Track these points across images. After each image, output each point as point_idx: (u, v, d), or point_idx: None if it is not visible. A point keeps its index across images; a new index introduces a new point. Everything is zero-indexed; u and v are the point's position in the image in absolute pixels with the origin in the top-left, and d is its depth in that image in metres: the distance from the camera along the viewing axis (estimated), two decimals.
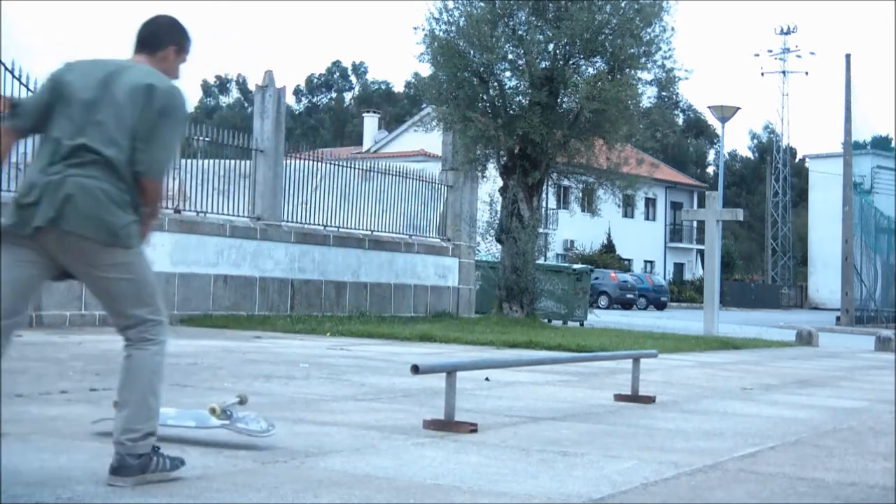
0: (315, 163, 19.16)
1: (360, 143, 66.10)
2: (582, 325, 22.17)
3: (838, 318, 36.32)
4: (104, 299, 3.95)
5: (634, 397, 7.69)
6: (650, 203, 64.26)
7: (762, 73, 71.66)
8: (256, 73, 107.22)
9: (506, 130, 18.74)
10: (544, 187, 21.17)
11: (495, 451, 5.10)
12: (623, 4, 19.09)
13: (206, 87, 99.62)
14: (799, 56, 70.34)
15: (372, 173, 20.30)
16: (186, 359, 9.45)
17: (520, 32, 18.98)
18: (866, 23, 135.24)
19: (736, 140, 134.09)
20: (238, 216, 17.02)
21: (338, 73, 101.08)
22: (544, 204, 43.76)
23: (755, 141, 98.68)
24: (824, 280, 62.09)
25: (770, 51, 71.18)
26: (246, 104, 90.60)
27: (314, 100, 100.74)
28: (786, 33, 70.72)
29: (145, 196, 3.93)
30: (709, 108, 24.12)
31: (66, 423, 5.34)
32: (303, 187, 18.51)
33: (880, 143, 55.63)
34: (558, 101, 19.12)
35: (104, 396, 6.50)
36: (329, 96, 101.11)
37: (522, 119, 18.59)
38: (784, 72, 70.25)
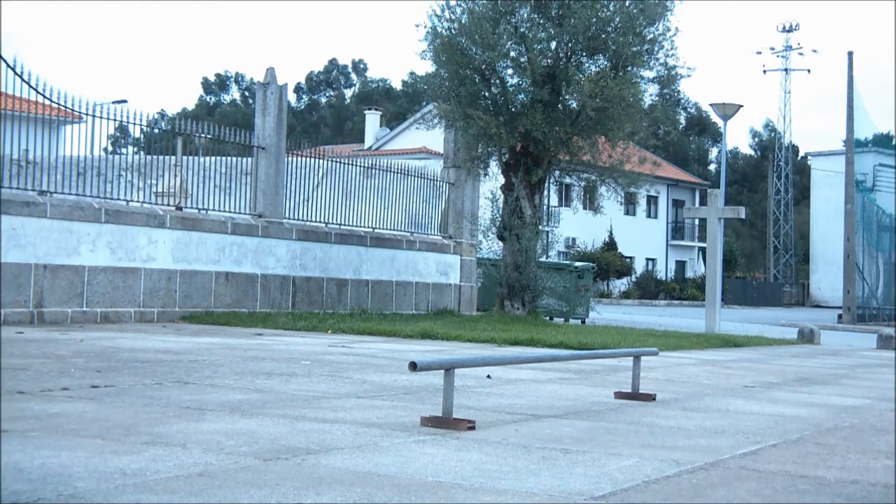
0: (317, 160, 19.16)
1: (361, 140, 66.16)
2: (583, 322, 22.17)
3: (840, 316, 36.33)
4: None
5: (635, 395, 7.68)
6: (652, 201, 64.27)
7: (764, 71, 71.59)
8: (257, 70, 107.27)
9: (508, 128, 18.73)
10: (546, 185, 21.16)
11: (497, 449, 5.09)
12: (627, 3, 19.07)
13: (206, 85, 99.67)
14: (801, 53, 70.29)
15: (373, 170, 20.30)
16: (188, 356, 9.45)
17: (522, 30, 18.97)
18: (868, 20, 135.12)
19: (738, 138, 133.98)
20: (239, 213, 17.03)
21: (337, 71, 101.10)
22: (546, 201, 43.73)
23: (757, 139, 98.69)
24: (826, 278, 62.08)
25: (772, 48, 71.17)
26: (250, 101, 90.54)
27: (315, 97, 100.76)
28: (788, 31, 70.68)
29: None
30: (711, 105, 24.10)
31: (67, 420, 5.34)
32: (304, 184, 18.52)
33: (882, 141, 55.54)
34: (560, 98, 19.10)
35: (106, 393, 6.51)
36: (329, 94, 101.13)
37: (524, 117, 18.58)
38: (786, 69, 70.19)
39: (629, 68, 18.86)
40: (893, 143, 58.46)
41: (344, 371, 8.79)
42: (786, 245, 69.11)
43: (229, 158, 17.45)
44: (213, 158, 17.06)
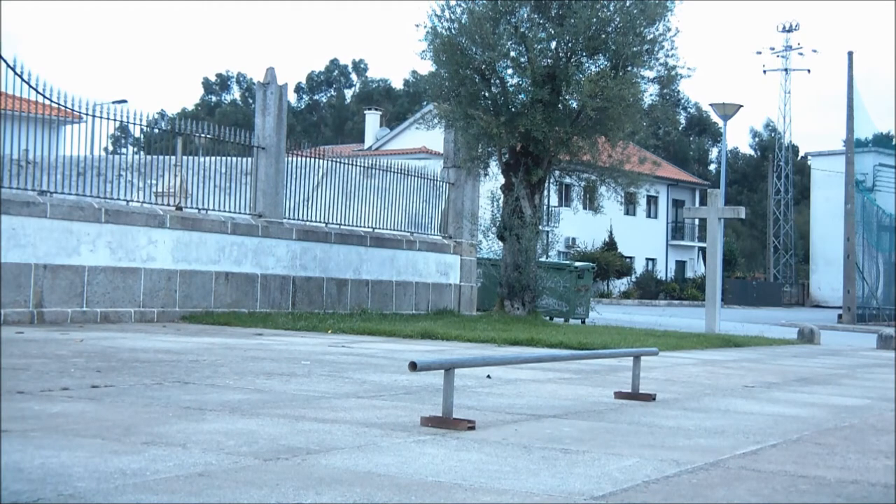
0: (317, 160, 19.17)
1: (361, 140, 66.16)
2: (583, 322, 22.17)
3: (840, 316, 36.33)
4: None
5: (635, 395, 7.68)
6: (652, 201, 64.28)
7: (764, 71, 71.56)
8: (258, 70, 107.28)
9: (508, 128, 18.73)
10: (546, 185, 21.16)
11: (496, 449, 5.09)
12: (627, 3, 19.07)
13: (206, 85, 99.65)
14: (801, 53, 70.25)
15: (374, 170, 20.30)
16: (188, 356, 9.45)
17: (522, 30, 18.96)
18: (868, 20, 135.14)
19: (738, 138, 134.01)
20: (239, 213, 17.03)
21: (337, 71, 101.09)
22: (546, 201, 43.75)
23: (757, 139, 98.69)
24: (826, 278, 62.05)
25: (772, 48, 71.14)
26: (250, 101, 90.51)
27: (315, 97, 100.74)
28: (788, 31, 70.66)
29: None
30: (711, 105, 24.11)
31: (67, 420, 5.34)
32: (304, 184, 18.52)
33: (882, 141, 55.51)
34: (560, 98, 19.10)
35: (106, 393, 6.51)
36: (329, 94, 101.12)
37: (524, 117, 18.57)
38: (786, 69, 70.17)
39: (629, 68, 18.85)
40: (893, 143, 58.46)
41: (344, 371, 8.79)
42: (786, 245, 69.10)
43: (229, 158, 17.45)
44: (213, 158, 17.06)
